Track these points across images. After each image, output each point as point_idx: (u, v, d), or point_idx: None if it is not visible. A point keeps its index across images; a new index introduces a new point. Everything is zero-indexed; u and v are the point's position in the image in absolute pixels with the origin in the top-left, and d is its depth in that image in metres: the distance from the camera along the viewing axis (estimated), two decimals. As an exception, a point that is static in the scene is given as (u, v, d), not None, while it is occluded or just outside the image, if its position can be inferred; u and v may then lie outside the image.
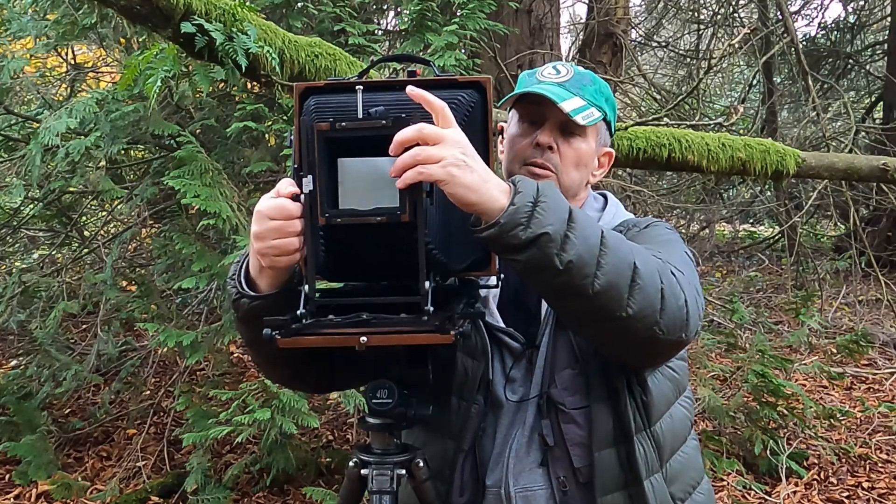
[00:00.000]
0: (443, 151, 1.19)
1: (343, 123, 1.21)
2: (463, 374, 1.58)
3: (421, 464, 1.43)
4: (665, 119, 4.88)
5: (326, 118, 1.22)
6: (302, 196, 1.24)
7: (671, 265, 1.41)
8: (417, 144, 1.19)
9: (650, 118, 5.05)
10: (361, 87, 1.26)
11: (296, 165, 1.27)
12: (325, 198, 1.23)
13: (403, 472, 1.41)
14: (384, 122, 1.21)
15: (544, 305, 1.58)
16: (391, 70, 4.03)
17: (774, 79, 9.59)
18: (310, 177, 1.22)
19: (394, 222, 1.22)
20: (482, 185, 1.23)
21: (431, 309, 1.25)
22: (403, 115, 1.20)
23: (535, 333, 1.57)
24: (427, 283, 1.25)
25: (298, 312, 1.26)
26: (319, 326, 1.28)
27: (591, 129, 1.63)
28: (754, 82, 9.25)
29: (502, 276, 1.48)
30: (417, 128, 1.19)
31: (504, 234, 1.24)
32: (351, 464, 1.43)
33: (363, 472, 1.41)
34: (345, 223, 1.24)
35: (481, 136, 1.41)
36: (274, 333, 1.24)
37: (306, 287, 1.27)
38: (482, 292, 1.58)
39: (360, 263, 1.34)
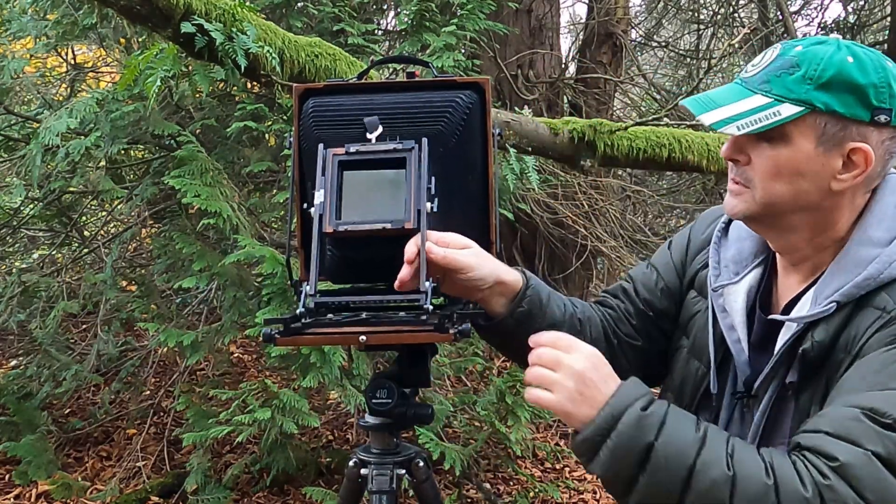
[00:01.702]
0: (561, 383, 1.24)
1: (357, 148, 1.23)
2: (685, 373, 1.55)
3: (421, 463, 1.43)
4: (665, 119, 4.88)
5: (325, 121, 1.23)
6: (313, 209, 1.26)
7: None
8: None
9: (650, 118, 5.05)
10: (372, 118, 1.29)
11: (293, 174, 1.29)
12: (332, 208, 1.24)
13: (403, 471, 1.42)
14: (394, 146, 1.23)
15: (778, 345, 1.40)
16: (391, 70, 4.03)
17: (774, 79, 9.56)
18: (322, 191, 1.24)
19: (398, 231, 1.24)
20: (578, 418, 1.24)
21: (431, 308, 1.26)
22: (413, 142, 1.23)
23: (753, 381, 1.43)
24: (427, 283, 1.26)
25: (298, 311, 1.27)
26: (319, 325, 1.29)
27: (803, 129, 1.31)
28: (754, 82, 9.20)
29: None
30: (541, 350, 1.27)
31: (578, 456, 1.26)
32: (351, 463, 1.44)
33: (363, 471, 1.42)
34: (352, 232, 1.26)
35: (480, 137, 1.41)
36: (273, 333, 1.25)
37: (306, 286, 1.28)
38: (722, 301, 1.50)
39: (363, 267, 1.35)
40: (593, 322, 1.63)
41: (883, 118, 1.30)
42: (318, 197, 1.26)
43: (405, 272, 1.29)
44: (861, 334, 1.27)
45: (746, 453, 1.20)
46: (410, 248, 1.30)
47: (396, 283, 1.31)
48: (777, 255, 1.48)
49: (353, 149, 1.24)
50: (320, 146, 1.28)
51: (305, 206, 1.30)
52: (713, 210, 1.65)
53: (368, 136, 1.28)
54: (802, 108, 1.30)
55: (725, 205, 1.42)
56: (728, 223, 1.56)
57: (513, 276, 1.47)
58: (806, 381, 1.32)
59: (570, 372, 1.24)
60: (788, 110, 1.30)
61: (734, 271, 1.50)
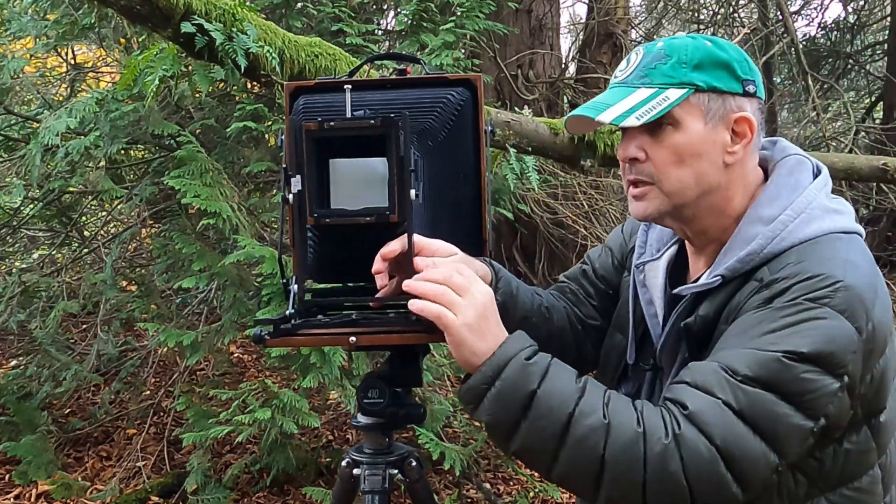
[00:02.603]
0: (464, 309, 1.25)
1: (331, 123, 1.21)
2: (609, 346, 1.62)
3: (413, 463, 1.43)
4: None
5: (315, 117, 1.22)
6: (290, 196, 1.25)
7: (698, 424, 1.21)
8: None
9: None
10: (350, 86, 1.26)
11: (284, 165, 1.28)
12: (314, 198, 1.23)
13: (396, 471, 1.42)
14: (372, 121, 1.22)
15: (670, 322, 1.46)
16: (390, 70, 4.03)
17: (774, 79, 9.59)
18: (298, 177, 1.23)
19: (382, 222, 1.23)
20: (470, 348, 1.25)
21: None
22: (392, 115, 1.21)
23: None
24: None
25: (287, 312, 1.26)
26: (308, 326, 1.29)
27: (690, 110, 1.37)
28: (755, 82, 9.20)
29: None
30: (450, 271, 1.27)
31: (461, 401, 1.30)
32: (343, 463, 1.44)
33: (355, 471, 1.41)
34: (334, 223, 1.24)
35: (472, 135, 1.41)
36: (263, 334, 1.25)
37: (295, 287, 1.28)
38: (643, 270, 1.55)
39: (349, 264, 1.34)
40: (557, 310, 1.67)
41: (751, 88, 1.40)
42: (296, 184, 1.25)
43: (378, 265, 1.31)
44: (741, 304, 1.34)
45: (621, 403, 1.25)
46: (393, 247, 1.30)
47: (375, 277, 1.32)
48: (687, 242, 1.53)
49: (326, 125, 1.22)
50: (293, 119, 1.27)
51: (284, 192, 1.28)
52: None
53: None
54: (687, 90, 1.36)
55: (633, 211, 1.45)
56: None
57: (484, 269, 1.48)
58: (695, 354, 1.37)
59: (474, 301, 1.26)
60: (675, 94, 1.36)
61: (656, 248, 1.57)
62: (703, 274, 1.45)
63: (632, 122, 1.34)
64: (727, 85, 1.38)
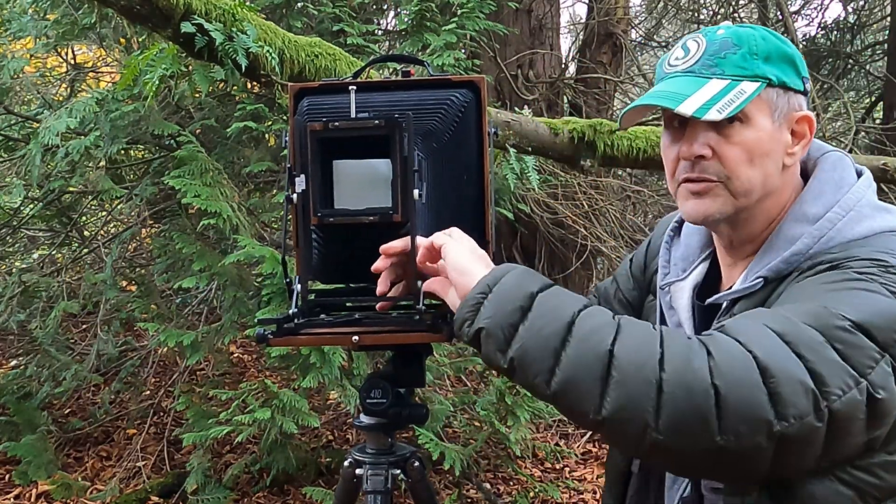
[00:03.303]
0: (459, 239, 1.26)
1: (336, 123, 1.21)
2: None
3: (416, 463, 1.43)
4: (665, 119, 4.87)
5: (320, 118, 1.22)
6: (295, 196, 1.25)
7: (731, 345, 1.07)
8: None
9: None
10: (354, 87, 1.26)
11: (289, 165, 1.28)
12: (318, 198, 1.23)
13: (398, 471, 1.42)
14: (377, 122, 1.22)
15: None
16: (391, 70, 4.03)
17: (775, 79, 9.57)
18: (302, 176, 1.23)
19: (386, 222, 1.23)
20: (471, 271, 1.21)
21: (424, 308, 1.26)
22: (396, 116, 1.21)
23: None
24: (419, 282, 1.26)
25: (290, 312, 1.26)
26: (311, 326, 1.29)
27: (760, 106, 1.28)
28: (755, 82, 9.22)
29: None
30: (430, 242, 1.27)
31: (458, 331, 1.19)
32: (346, 463, 1.44)
33: (358, 471, 1.41)
34: (337, 223, 1.24)
35: (475, 136, 1.41)
36: (266, 333, 1.25)
37: (298, 286, 1.28)
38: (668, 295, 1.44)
39: (353, 265, 1.34)
40: None
41: (808, 86, 1.34)
42: (300, 184, 1.25)
43: (379, 263, 1.29)
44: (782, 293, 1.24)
45: (632, 318, 1.15)
46: (395, 244, 1.29)
47: (380, 288, 1.31)
48: (722, 249, 1.42)
49: (331, 125, 1.22)
50: (297, 119, 1.27)
51: (289, 192, 1.28)
52: (671, 215, 1.59)
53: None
54: (761, 83, 1.27)
55: (690, 211, 1.33)
56: (680, 223, 1.52)
57: None
58: None
59: (463, 238, 1.26)
60: (750, 87, 1.27)
61: (682, 268, 1.46)
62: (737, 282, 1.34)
63: (713, 115, 1.23)
64: (793, 81, 1.31)
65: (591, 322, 1.10)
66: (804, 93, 1.33)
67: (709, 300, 1.36)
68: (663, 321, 1.43)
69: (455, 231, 1.29)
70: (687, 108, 1.24)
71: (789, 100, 1.30)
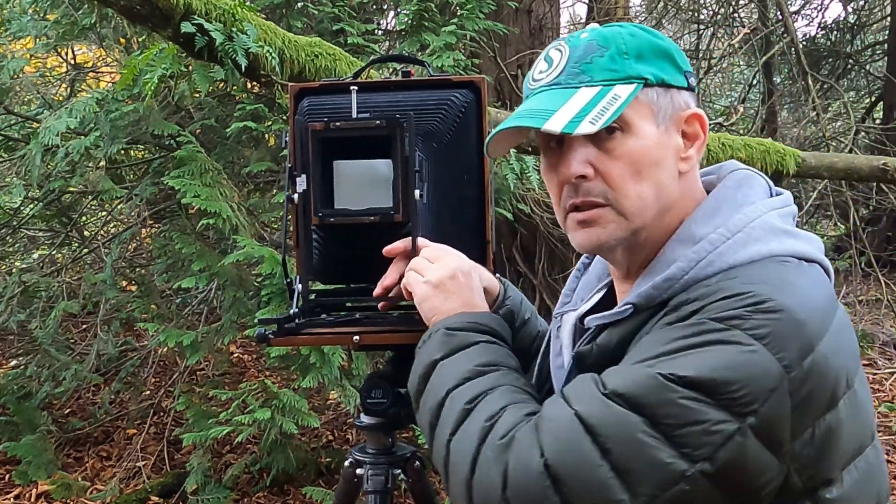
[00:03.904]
0: (431, 271, 1.24)
1: (337, 123, 1.22)
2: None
3: (417, 463, 1.43)
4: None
5: (320, 118, 1.23)
6: (296, 196, 1.25)
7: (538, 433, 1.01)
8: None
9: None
10: (356, 87, 1.26)
11: (290, 165, 1.28)
12: (318, 198, 1.23)
13: (399, 471, 1.42)
14: (378, 122, 1.22)
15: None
16: (391, 70, 4.03)
17: (774, 79, 9.60)
18: (303, 176, 1.23)
19: (387, 222, 1.23)
20: (430, 304, 1.23)
21: None
22: (397, 116, 1.21)
23: None
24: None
25: (291, 312, 1.27)
26: (312, 326, 1.29)
27: (639, 110, 1.11)
28: (754, 82, 9.25)
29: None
30: (430, 246, 1.28)
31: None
32: (346, 463, 1.44)
33: (358, 471, 1.42)
34: (338, 223, 1.25)
35: (476, 137, 1.41)
36: (267, 333, 1.25)
37: (299, 286, 1.28)
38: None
39: (353, 265, 1.35)
40: None
41: (693, 81, 1.17)
42: (301, 184, 1.25)
43: (379, 291, 1.31)
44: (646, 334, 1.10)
45: (501, 398, 1.08)
46: (398, 248, 1.30)
47: (377, 290, 1.31)
48: (618, 278, 1.25)
49: (332, 125, 1.22)
50: (298, 119, 1.28)
51: (289, 192, 1.29)
52: None
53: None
54: (636, 84, 1.11)
55: (581, 242, 1.17)
56: None
57: (493, 282, 1.39)
58: None
59: (442, 265, 1.25)
60: (624, 91, 1.10)
61: (581, 297, 1.33)
62: None
63: (586, 128, 1.07)
64: (673, 77, 1.14)
65: (450, 406, 1.09)
66: (689, 88, 1.16)
67: (584, 321, 1.22)
68: (546, 352, 1.31)
69: (438, 251, 1.28)
70: (555, 125, 1.08)
71: (672, 98, 1.14)
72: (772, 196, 1.17)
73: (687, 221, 1.14)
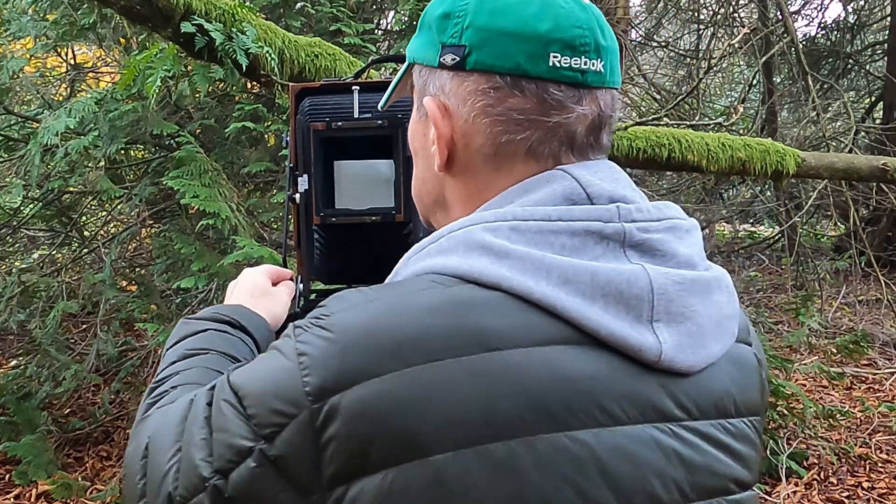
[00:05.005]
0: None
1: (339, 123, 1.22)
2: None
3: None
4: (665, 119, 4.88)
5: (322, 118, 1.23)
6: (297, 196, 1.26)
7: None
8: None
9: (650, 118, 5.05)
10: (357, 87, 1.27)
11: (291, 165, 1.29)
12: (320, 197, 1.24)
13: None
14: (380, 122, 1.22)
15: None
16: (391, 70, 4.03)
17: (774, 79, 9.60)
18: (305, 176, 1.24)
19: (388, 222, 1.23)
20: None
21: None
22: (399, 115, 1.21)
23: None
24: None
25: (291, 313, 1.27)
26: None
27: (415, 92, 0.99)
28: (754, 82, 9.25)
29: None
30: None
31: None
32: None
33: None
34: (340, 223, 1.25)
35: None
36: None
37: (300, 286, 1.28)
38: None
39: (355, 265, 1.35)
40: None
41: (449, 59, 0.90)
42: (303, 184, 1.26)
43: None
44: None
45: (187, 377, 1.01)
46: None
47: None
48: None
49: (334, 125, 1.23)
50: (300, 119, 1.28)
51: (290, 192, 1.29)
52: None
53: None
54: (407, 62, 0.99)
55: None
56: None
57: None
58: None
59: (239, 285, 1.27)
60: (401, 70, 1.01)
61: None
62: None
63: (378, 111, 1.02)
64: (425, 55, 0.94)
65: (149, 390, 1.03)
66: (443, 67, 0.91)
67: None
68: None
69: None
70: (381, 100, 1.05)
71: (427, 80, 0.95)
72: (577, 200, 0.86)
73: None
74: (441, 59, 0.91)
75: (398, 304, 0.81)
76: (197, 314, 1.16)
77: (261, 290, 1.26)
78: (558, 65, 0.86)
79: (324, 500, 0.78)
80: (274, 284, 1.30)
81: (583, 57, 0.87)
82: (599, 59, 0.88)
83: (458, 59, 0.89)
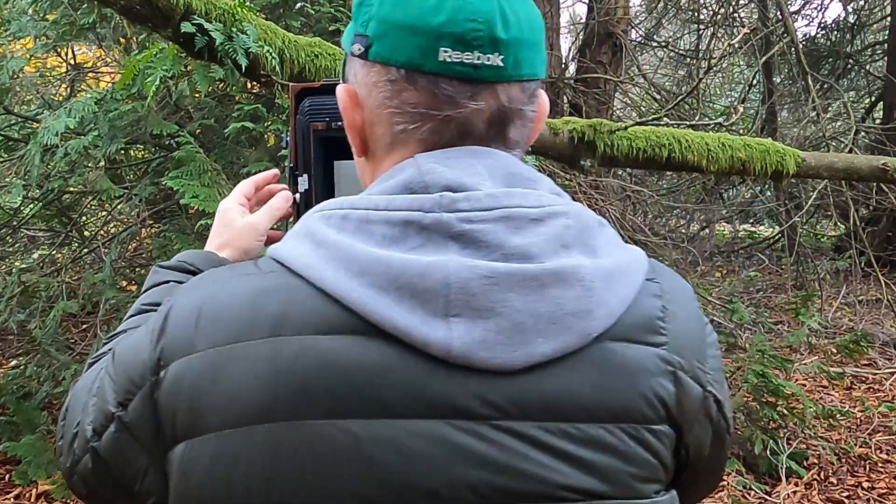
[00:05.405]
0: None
1: (339, 123, 1.22)
2: None
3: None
4: (665, 119, 4.88)
5: (323, 118, 1.23)
6: (297, 195, 1.26)
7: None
8: None
9: (650, 118, 5.05)
10: None
11: (291, 165, 1.29)
12: (320, 197, 1.24)
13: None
14: None
15: None
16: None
17: (774, 79, 9.61)
18: (305, 176, 1.24)
19: None
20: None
21: None
22: None
23: None
24: None
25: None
26: None
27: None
28: (754, 82, 9.26)
29: None
30: None
31: None
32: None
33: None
34: None
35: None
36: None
37: (301, 181, 1.29)
38: None
39: None
40: None
41: (356, 49, 0.90)
42: (303, 183, 1.26)
43: None
44: None
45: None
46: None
47: None
48: None
49: (334, 125, 1.23)
50: (300, 119, 1.29)
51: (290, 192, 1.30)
52: None
53: None
54: (345, 53, 0.96)
55: None
56: None
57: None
58: None
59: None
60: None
61: None
62: None
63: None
64: (346, 40, 0.94)
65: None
66: (359, 56, 0.90)
67: None
68: None
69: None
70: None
71: (347, 68, 0.95)
72: (431, 189, 0.84)
73: None
74: (352, 48, 0.91)
75: (221, 288, 0.86)
76: (167, 262, 1.18)
77: (227, 226, 1.25)
78: (448, 60, 0.84)
79: (163, 464, 0.84)
80: (261, 198, 1.33)
81: (476, 52, 0.84)
82: (497, 53, 0.85)
83: (362, 49, 0.89)
